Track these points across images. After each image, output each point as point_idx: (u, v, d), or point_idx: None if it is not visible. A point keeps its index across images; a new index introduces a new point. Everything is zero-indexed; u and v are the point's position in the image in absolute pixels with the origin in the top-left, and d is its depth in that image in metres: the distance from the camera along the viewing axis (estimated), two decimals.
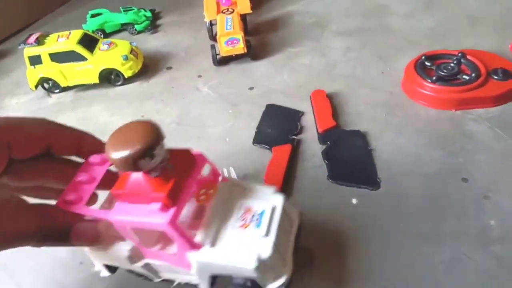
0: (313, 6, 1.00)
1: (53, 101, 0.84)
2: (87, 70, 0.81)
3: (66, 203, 0.36)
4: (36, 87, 0.83)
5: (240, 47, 0.81)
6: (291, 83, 0.78)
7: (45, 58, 0.80)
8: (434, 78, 0.66)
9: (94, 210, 0.37)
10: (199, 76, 0.83)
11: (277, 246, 0.38)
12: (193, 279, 0.40)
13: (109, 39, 0.85)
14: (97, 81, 0.82)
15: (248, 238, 0.37)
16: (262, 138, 0.67)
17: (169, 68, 0.87)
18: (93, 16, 1.01)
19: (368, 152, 0.61)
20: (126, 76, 0.82)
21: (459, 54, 0.69)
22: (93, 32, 0.99)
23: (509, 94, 0.65)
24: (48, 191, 0.40)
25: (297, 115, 0.70)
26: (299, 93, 0.74)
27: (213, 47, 0.83)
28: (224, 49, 0.81)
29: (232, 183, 0.42)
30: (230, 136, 0.68)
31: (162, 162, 0.34)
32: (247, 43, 0.83)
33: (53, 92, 0.84)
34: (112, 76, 0.83)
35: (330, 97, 0.71)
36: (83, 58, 0.80)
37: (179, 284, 0.43)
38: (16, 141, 0.35)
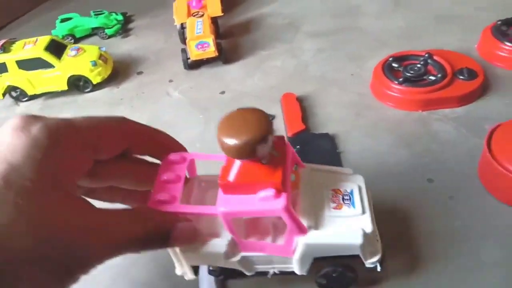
0: (287, 7, 1.00)
1: (21, 110, 0.82)
2: (55, 77, 0.80)
3: (160, 203, 0.36)
4: (3, 95, 0.82)
5: (211, 51, 0.80)
6: (263, 86, 0.78)
7: (12, 66, 0.79)
8: (400, 79, 0.66)
9: (199, 207, 0.38)
10: (170, 81, 0.83)
11: (373, 222, 0.40)
12: (289, 266, 0.41)
13: (77, 45, 0.84)
14: (65, 88, 0.81)
15: (347, 218, 0.39)
16: None
17: (140, 73, 0.86)
18: (63, 21, 0.99)
19: (337, 155, 0.61)
20: (94, 83, 0.81)
21: (426, 55, 0.70)
22: (63, 37, 0.97)
23: (474, 93, 0.66)
24: (116, 192, 0.39)
25: None
26: (270, 96, 0.74)
27: (183, 51, 0.82)
28: (194, 53, 0.81)
29: (311, 168, 0.43)
30: (200, 142, 0.68)
31: (271, 148, 0.34)
32: (218, 46, 0.82)
33: (21, 101, 0.83)
34: (81, 83, 0.81)
35: (300, 99, 0.71)
36: (50, 65, 0.79)
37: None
38: (101, 141, 0.34)
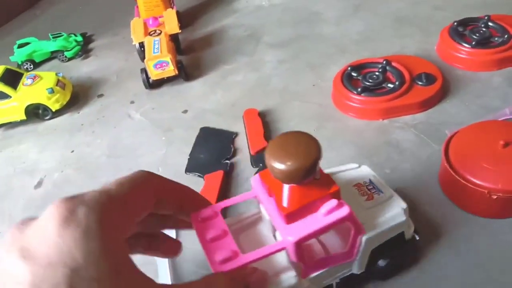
0: (247, 18, 0.99)
1: None
2: (12, 107, 0.77)
3: (226, 262, 0.34)
4: None
5: (170, 70, 0.79)
6: (225, 102, 0.77)
7: None
8: (359, 89, 0.66)
9: (265, 248, 0.35)
10: (132, 102, 0.81)
11: None
12: (348, 270, 0.42)
13: (34, 72, 0.82)
14: (24, 117, 0.79)
15: (383, 204, 0.42)
16: (195, 165, 0.65)
17: (101, 95, 0.85)
18: (20, 46, 0.97)
19: None
20: (53, 110, 0.79)
21: (384, 62, 0.70)
22: (22, 63, 0.95)
23: (433, 98, 0.66)
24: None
25: (230, 137, 0.69)
26: (232, 113, 0.73)
27: (143, 71, 0.81)
28: (153, 73, 0.79)
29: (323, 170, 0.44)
30: (163, 165, 0.67)
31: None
32: (178, 64, 0.81)
33: None
34: (40, 111, 0.79)
35: (262, 114, 0.70)
36: (6, 96, 0.77)
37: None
38: (138, 204, 0.32)
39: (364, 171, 0.46)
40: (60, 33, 0.99)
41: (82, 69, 0.93)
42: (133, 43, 0.85)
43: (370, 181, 0.45)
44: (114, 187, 0.30)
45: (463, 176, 0.49)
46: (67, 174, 0.69)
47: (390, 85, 0.67)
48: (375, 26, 0.87)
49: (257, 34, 0.92)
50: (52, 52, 0.97)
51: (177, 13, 0.98)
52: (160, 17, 0.89)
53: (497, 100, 0.65)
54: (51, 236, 0.24)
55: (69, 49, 0.96)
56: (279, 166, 0.33)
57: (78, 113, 0.81)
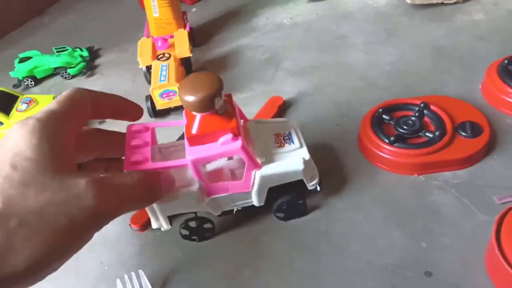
0: (267, 38, 0.90)
1: None
2: (4, 135, 0.71)
3: (135, 164, 0.43)
4: None
5: (177, 100, 0.71)
6: None
7: None
8: (392, 138, 0.57)
9: (170, 162, 0.44)
10: None
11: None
12: (249, 202, 0.51)
13: (29, 96, 0.75)
14: None
15: (289, 152, 0.50)
16: None
17: (102, 122, 0.77)
18: (21, 60, 0.90)
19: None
20: None
21: (421, 105, 0.60)
22: (22, 79, 0.88)
23: (479, 153, 0.56)
24: (100, 165, 0.46)
25: None
26: None
27: (148, 98, 0.73)
28: (159, 102, 0.71)
29: (254, 121, 0.54)
30: None
31: (224, 101, 0.44)
32: None
33: None
34: None
35: None
36: None
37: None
38: (77, 116, 0.38)
39: (290, 125, 0.54)
40: (64, 47, 0.92)
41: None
42: (140, 67, 0.77)
43: (289, 133, 0.52)
44: (55, 105, 0.36)
45: None
46: None
47: (429, 135, 0.57)
48: (410, 56, 0.77)
49: (276, 58, 0.84)
50: (55, 68, 0.90)
51: (191, 30, 0.90)
52: (171, 37, 0.81)
53: None
54: (6, 136, 0.34)
55: (73, 65, 0.89)
56: (185, 97, 0.41)
57: None
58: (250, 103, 0.74)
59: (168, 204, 0.48)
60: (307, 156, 0.50)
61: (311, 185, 0.51)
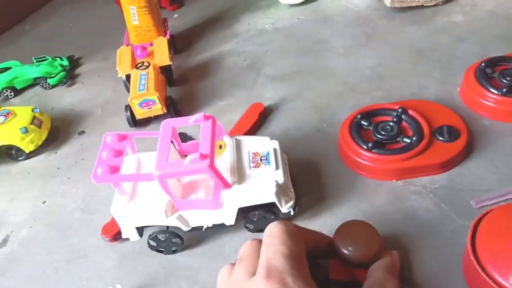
0: (248, 43, 0.89)
1: None
2: None
3: (104, 175, 0.47)
4: None
5: (157, 108, 0.71)
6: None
7: None
8: (370, 144, 0.57)
9: (138, 174, 0.50)
10: None
11: (285, 176, 0.50)
12: (219, 219, 0.50)
13: (7, 108, 0.74)
14: None
15: (264, 174, 0.49)
16: None
17: (82, 132, 0.76)
18: (1, 71, 0.89)
19: None
20: (27, 151, 0.71)
21: (399, 110, 0.60)
22: (2, 90, 0.87)
23: (456, 158, 0.56)
24: None
25: None
26: None
27: (127, 108, 0.72)
28: (139, 112, 0.71)
29: (235, 137, 0.54)
30: None
31: None
32: (168, 101, 0.73)
33: None
34: (13, 151, 0.71)
35: None
36: None
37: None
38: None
39: (270, 145, 0.53)
40: (44, 57, 0.91)
41: (66, 98, 0.85)
42: (119, 76, 0.76)
43: (267, 153, 0.51)
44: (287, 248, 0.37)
45: (492, 276, 0.40)
46: (36, 231, 0.61)
47: (407, 140, 0.57)
48: (389, 59, 0.77)
49: (257, 63, 0.83)
50: (35, 79, 0.89)
51: (172, 37, 0.89)
52: (150, 45, 0.80)
53: None
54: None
55: (53, 75, 0.88)
56: None
57: (56, 153, 0.73)
58: (232, 110, 0.74)
59: (137, 216, 0.49)
60: (281, 179, 0.49)
61: (284, 208, 0.50)
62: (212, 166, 0.45)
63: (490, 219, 0.44)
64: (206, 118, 0.51)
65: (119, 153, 0.49)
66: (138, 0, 0.79)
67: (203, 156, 0.44)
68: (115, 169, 0.47)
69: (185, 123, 0.52)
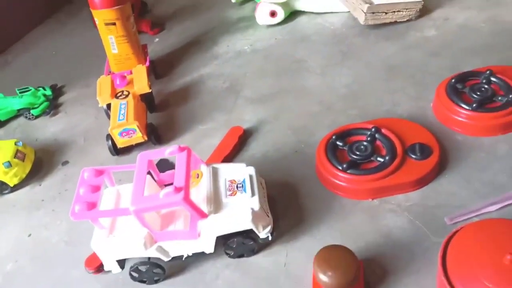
0: (228, 66, 0.91)
1: None
2: None
3: (81, 212, 0.47)
4: None
5: (138, 137, 0.72)
6: None
7: None
8: (345, 165, 0.58)
9: (115, 210, 0.50)
10: None
11: (261, 202, 0.50)
12: (199, 248, 0.50)
13: None
14: None
15: (240, 201, 0.49)
16: None
17: (65, 163, 0.77)
18: None
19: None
20: (11, 185, 0.72)
21: (373, 129, 0.62)
22: None
23: (429, 174, 0.58)
24: None
25: None
26: None
27: (109, 137, 0.73)
28: (120, 141, 0.72)
29: (212, 166, 0.54)
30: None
31: None
32: (148, 128, 0.74)
33: None
34: None
35: None
36: None
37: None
38: None
39: (246, 172, 0.53)
40: (27, 87, 0.92)
41: (49, 128, 0.86)
42: (100, 106, 0.77)
43: (243, 180, 0.52)
44: None
45: None
46: (21, 266, 0.62)
47: (380, 159, 0.58)
48: (364, 77, 0.79)
49: (236, 86, 0.85)
50: (19, 110, 0.89)
51: (152, 63, 0.91)
52: (130, 73, 0.82)
53: (503, 175, 0.57)
54: None
55: (36, 105, 0.89)
56: None
57: (40, 185, 0.74)
58: (212, 134, 0.75)
59: (117, 249, 0.50)
60: (256, 206, 0.50)
61: (262, 234, 0.52)
62: (186, 199, 0.46)
63: (460, 237, 0.45)
64: (181, 149, 0.52)
65: (97, 189, 0.50)
66: (116, 30, 0.81)
67: (177, 189, 0.45)
68: (92, 205, 0.48)
69: (160, 155, 0.53)
